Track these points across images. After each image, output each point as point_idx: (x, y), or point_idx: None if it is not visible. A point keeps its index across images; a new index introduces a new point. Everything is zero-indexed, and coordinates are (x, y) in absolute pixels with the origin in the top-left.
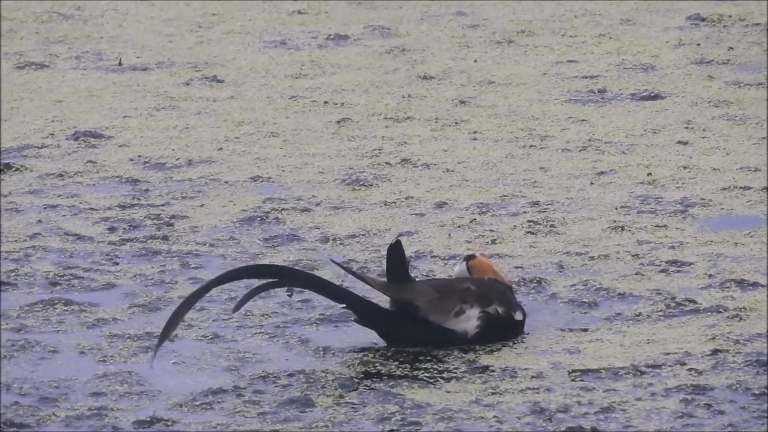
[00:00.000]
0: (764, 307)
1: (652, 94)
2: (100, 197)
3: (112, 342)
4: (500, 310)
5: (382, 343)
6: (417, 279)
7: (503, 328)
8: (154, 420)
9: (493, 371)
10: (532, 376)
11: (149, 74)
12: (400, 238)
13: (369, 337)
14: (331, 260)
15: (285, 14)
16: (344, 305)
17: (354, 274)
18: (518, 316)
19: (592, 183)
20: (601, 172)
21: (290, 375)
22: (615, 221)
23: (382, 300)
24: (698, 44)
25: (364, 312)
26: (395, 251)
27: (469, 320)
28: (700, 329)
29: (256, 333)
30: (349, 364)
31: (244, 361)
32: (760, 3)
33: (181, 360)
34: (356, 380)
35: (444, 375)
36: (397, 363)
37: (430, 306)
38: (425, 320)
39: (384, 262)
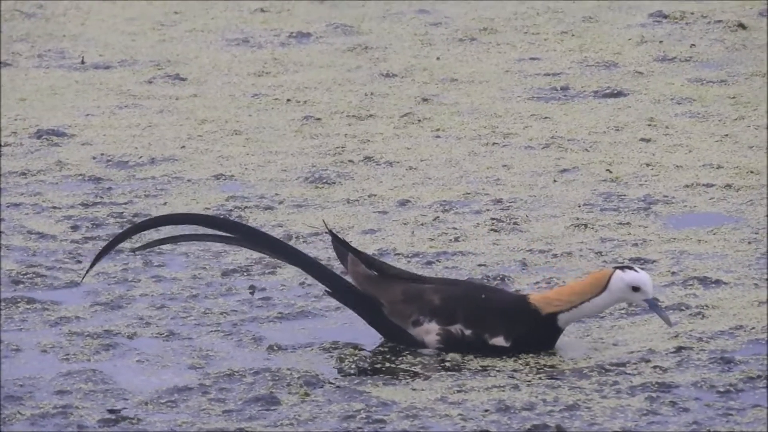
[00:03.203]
0: (727, 305)
1: (615, 92)
2: (63, 195)
3: (74, 340)
4: (467, 332)
5: (345, 340)
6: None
7: (477, 351)
8: (119, 418)
9: (459, 369)
10: (498, 374)
11: (112, 72)
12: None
13: (332, 335)
14: (323, 222)
15: (247, 12)
16: (317, 279)
17: (339, 249)
18: (497, 341)
19: (555, 180)
20: (564, 170)
21: (255, 373)
22: (578, 219)
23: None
24: (660, 41)
25: (335, 287)
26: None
27: (429, 333)
28: (663, 327)
29: (213, 331)
30: (314, 362)
31: (209, 359)
32: (722, 1)
33: (145, 358)
34: (321, 378)
35: (409, 372)
36: (362, 360)
37: (392, 307)
38: (388, 320)
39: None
